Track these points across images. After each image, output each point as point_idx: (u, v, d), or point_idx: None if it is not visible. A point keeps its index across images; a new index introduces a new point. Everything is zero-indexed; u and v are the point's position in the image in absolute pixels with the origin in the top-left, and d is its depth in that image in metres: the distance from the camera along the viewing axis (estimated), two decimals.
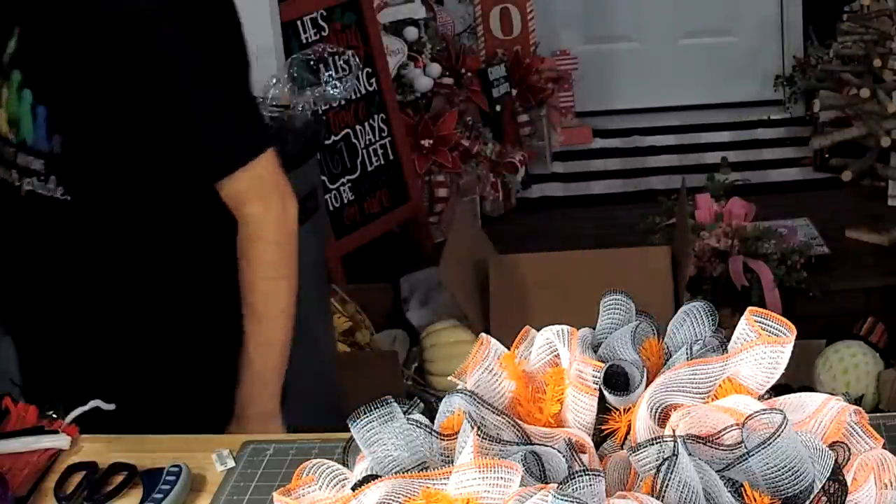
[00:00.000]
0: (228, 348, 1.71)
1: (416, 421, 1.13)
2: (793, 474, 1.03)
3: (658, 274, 3.07)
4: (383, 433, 1.11)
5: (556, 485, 1.01)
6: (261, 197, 1.63)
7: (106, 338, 1.70)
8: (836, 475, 1.04)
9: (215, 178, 1.62)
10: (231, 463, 1.42)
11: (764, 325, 1.16)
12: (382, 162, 3.72)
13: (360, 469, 1.13)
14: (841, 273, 3.57)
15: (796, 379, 2.97)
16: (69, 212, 1.62)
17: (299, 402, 2.48)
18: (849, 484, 1.06)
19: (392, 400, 1.13)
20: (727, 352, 1.19)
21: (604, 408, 1.17)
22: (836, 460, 1.05)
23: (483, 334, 1.23)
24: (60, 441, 1.50)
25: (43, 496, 1.42)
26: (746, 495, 1.02)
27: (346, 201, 3.59)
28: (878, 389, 3.01)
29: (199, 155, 1.62)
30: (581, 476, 1.01)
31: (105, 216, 1.64)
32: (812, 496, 1.03)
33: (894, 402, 2.94)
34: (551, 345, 1.21)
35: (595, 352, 1.22)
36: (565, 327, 1.21)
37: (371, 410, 1.12)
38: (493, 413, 1.13)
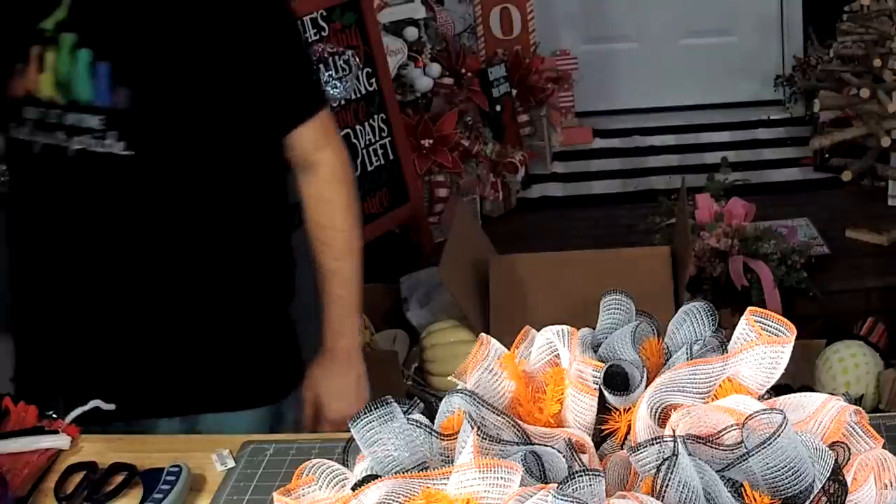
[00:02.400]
0: (283, 306, 1.82)
1: (416, 421, 1.13)
2: (793, 474, 1.03)
3: (658, 274, 3.07)
4: (383, 433, 1.11)
5: (556, 485, 1.01)
6: (329, 143, 1.77)
7: (160, 303, 1.70)
8: (837, 475, 1.04)
9: (289, 128, 1.72)
10: (231, 463, 1.42)
11: (764, 325, 1.16)
12: (382, 162, 3.72)
13: (360, 469, 1.13)
14: (841, 273, 3.57)
15: (796, 379, 2.96)
16: (129, 167, 1.64)
17: (299, 403, 2.48)
18: (849, 484, 1.06)
19: (392, 400, 1.13)
20: (727, 352, 1.19)
21: (604, 408, 1.17)
22: (836, 460, 1.05)
23: (483, 334, 1.23)
24: (60, 441, 1.50)
25: (43, 496, 1.42)
26: (746, 495, 1.02)
27: None
28: (878, 389, 3.01)
29: (273, 108, 1.70)
30: (581, 476, 1.01)
31: (168, 170, 1.67)
32: (812, 496, 1.03)
33: (894, 402, 2.94)
34: (551, 345, 1.21)
35: (595, 352, 1.22)
36: (565, 327, 1.21)
37: (371, 410, 1.12)
38: (494, 413, 1.13)
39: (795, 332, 1.16)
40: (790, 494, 1.03)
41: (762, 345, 1.15)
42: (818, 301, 3.42)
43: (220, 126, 1.67)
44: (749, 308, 1.19)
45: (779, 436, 1.03)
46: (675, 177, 4.31)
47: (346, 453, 1.17)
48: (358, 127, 3.64)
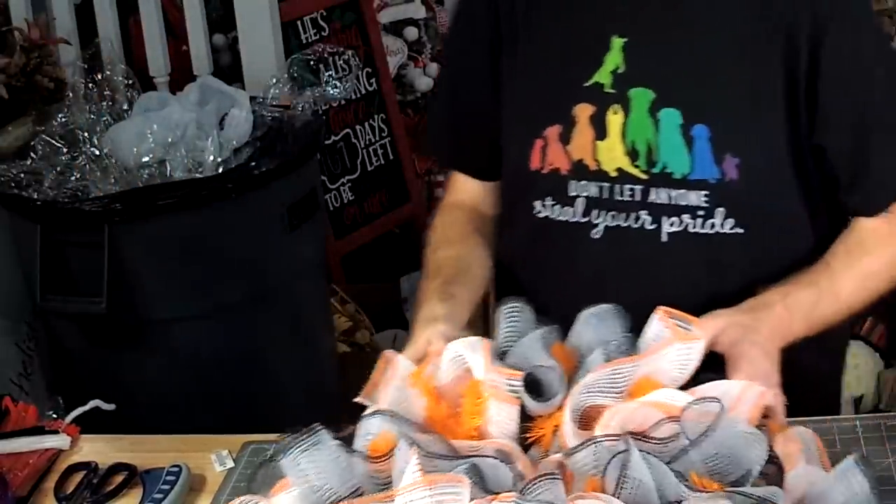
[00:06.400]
0: None
1: (344, 447, 1.11)
2: (733, 460, 1.06)
3: None
4: (311, 462, 1.10)
5: (512, 494, 1.01)
6: None
7: None
8: (773, 458, 1.07)
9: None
10: (230, 463, 1.42)
11: (678, 324, 1.20)
12: (382, 162, 3.72)
13: (288, 501, 1.11)
14: None
15: None
16: (735, 248, 1.41)
17: (299, 403, 2.49)
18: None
19: (321, 428, 1.11)
20: (640, 351, 1.21)
21: (523, 416, 1.17)
22: (769, 443, 1.08)
23: (387, 351, 1.21)
24: (60, 441, 1.50)
25: (43, 496, 1.42)
26: (695, 483, 1.03)
27: (346, 201, 3.58)
28: (878, 389, 3.00)
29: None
30: (541, 481, 1.02)
31: (773, 245, 1.44)
32: (751, 480, 1.05)
33: (894, 402, 2.94)
34: (461, 358, 1.20)
35: (501, 360, 1.21)
36: (475, 338, 1.20)
37: (298, 440, 1.10)
38: (419, 431, 1.12)
39: (704, 331, 1.19)
40: (731, 481, 1.05)
41: (678, 342, 1.18)
42: None
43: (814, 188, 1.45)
44: (659, 307, 1.21)
45: (719, 423, 1.06)
46: None
47: (254, 485, 1.17)
48: (358, 127, 3.64)
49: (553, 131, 1.43)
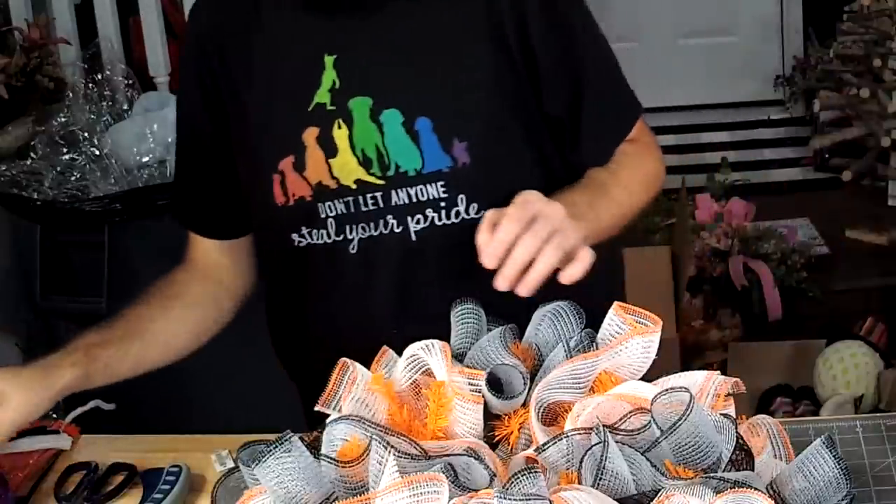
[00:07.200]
0: None
1: (320, 454, 1.11)
2: (704, 448, 1.07)
3: (658, 274, 3.07)
4: (284, 470, 1.10)
5: (490, 490, 1.01)
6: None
7: None
8: (742, 445, 1.08)
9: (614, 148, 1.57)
10: (231, 463, 1.42)
11: (635, 319, 1.20)
12: None
13: None
14: (841, 273, 3.57)
15: (796, 379, 2.97)
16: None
17: (300, 403, 2.49)
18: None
19: (292, 435, 1.11)
20: (598, 347, 1.21)
21: (488, 415, 1.17)
22: (737, 431, 1.09)
23: (343, 358, 1.20)
24: (60, 441, 1.50)
25: (43, 496, 1.42)
26: (670, 471, 1.04)
27: None
28: (878, 389, 3.00)
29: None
30: (522, 475, 1.02)
31: None
32: (722, 467, 1.06)
33: (894, 402, 2.95)
34: (417, 361, 1.19)
35: (459, 362, 1.21)
36: (433, 341, 1.19)
37: (271, 448, 1.10)
38: (389, 434, 1.12)
39: (660, 322, 1.19)
40: (703, 468, 1.06)
41: (637, 336, 1.18)
42: (818, 301, 3.42)
43: (549, 156, 1.50)
44: (616, 303, 1.22)
45: (690, 413, 1.06)
46: (675, 177, 4.31)
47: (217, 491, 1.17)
48: None
49: (287, 163, 1.44)
